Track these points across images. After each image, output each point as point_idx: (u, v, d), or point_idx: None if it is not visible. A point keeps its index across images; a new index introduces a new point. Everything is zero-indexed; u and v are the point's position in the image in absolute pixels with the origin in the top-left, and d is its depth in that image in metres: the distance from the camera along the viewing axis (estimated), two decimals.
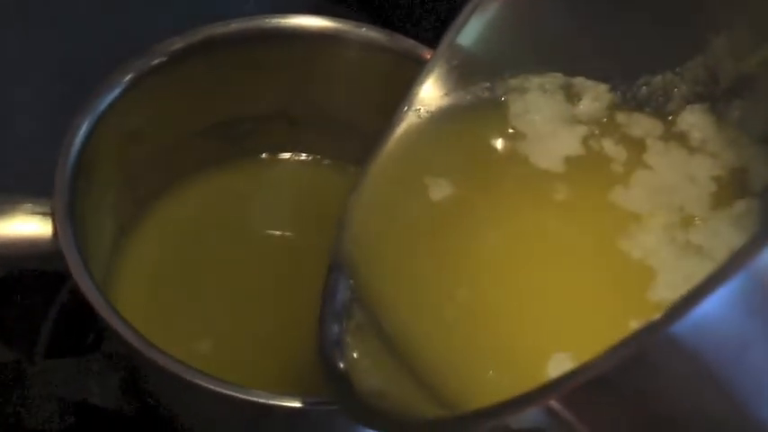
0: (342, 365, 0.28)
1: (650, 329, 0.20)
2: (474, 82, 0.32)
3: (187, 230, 0.40)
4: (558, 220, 0.31)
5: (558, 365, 0.26)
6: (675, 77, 0.32)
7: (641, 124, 0.32)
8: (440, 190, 0.31)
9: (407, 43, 0.38)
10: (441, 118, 0.32)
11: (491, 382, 0.27)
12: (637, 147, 0.32)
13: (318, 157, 0.43)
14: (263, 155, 0.42)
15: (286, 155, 0.42)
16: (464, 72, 0.32)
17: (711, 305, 0.19)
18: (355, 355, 0.28)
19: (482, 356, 0.28)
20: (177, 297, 0.38)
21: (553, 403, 0.21)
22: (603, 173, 0.32)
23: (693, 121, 0.32)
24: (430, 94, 0.32)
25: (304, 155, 0.43)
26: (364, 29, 0.38)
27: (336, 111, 0.41)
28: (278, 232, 0.42)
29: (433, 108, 0.32)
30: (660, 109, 0.32)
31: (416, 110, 0.32)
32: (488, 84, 0.32)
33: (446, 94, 0.32)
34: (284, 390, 0.31)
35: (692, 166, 0.31)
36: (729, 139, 0.32)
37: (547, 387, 0.22)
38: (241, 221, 0.41)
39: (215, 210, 0.41)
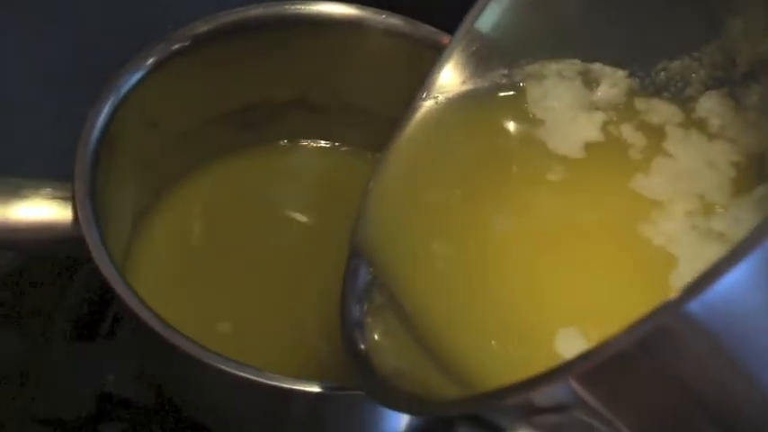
0: (363, 346, 0.28)
1: (669, 306, 0.20)
2: (492, 69, 0.32)
3: (206, 216, 0.40)
4: (579, 207, 0.31)
5: (567, 341, 0.27)
6: (693, 62, 0.32)
7: (660, 111, 0.32)
8: (459, 176, 0.31)
9: (427, 30, 0.38)
10: (459, 105, 0.32)
11: (508, 360, 0.27)
12: (656, 134, 0.32)
13: (337, 144, 0.43)
14: (283, 141, 0.42)
15: (305, 141, 0.43)
16: (482, 59, 0.32)
17: (729, 282, 0.19)
18: (376, 336, 0.28)
19: (501, 334, 0.28)
20: (196, 282, 0.39)
21: (575, 380, 0.22)
22: (623, 160, 0.32)
23: (712, 106, 0.32)
24: (448, 80, 0.32)
25: (323, 141, 0.43)
26: (384, 15, 0.39)
27: (356, 97, 0.41)
28: (297, 218, 0.42)
29: (451, 95, 0.32)
30: (678, 94, 0.32)
31: (435, 97, 0.32)
32: (506, 71, 0.32)
33: (464, 81, 0.32)
34: (304, 374, 0.31)
35: (712, 153, 0.31)
36: (748, 123, 0.31)
37: (568, 364, 0.22)
38: (260, 207, 0.41)
39: (234, 195, 0.41)
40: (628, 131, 0.32)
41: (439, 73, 0.32)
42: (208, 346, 0.31)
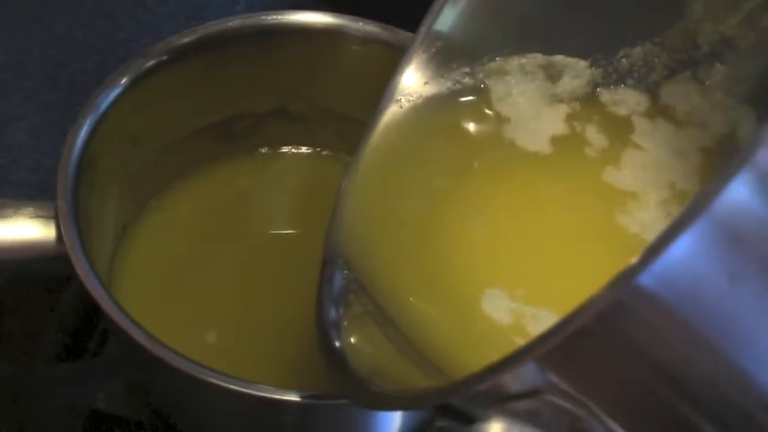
0: (338, 344, 0.28)
1: (620, 280, 0.20)
2: (453, 68, 0.32)
3: (189, 227, 0.41)
4: (553, 203, 0.31)
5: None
6: (655, 47, 0.32)
7: (625, 100, 0.32)
8: (429, 178, 0.31)
9: (404, 36, 0.38)
10: (423, 107, 0.32)
11: (481, 350, 0.27)
12: (624, 126, 0.32)
13: (318, 149, 0.43)
14: (263, 149, 0.43)
15: (286, 148, 0.43)
16: (443, 59, 0.32)
17: (676, 253, 0.19)
18: (352, 334, 0.28)
19: (476, 331, 0.28)
20: (181, 294, 0.39)
21: (537, 361, 0.22)
22: (593, 153, 0.32)
23: (677, 91, 0.32)
24: (410, 83, 0.32)
25: (304, 148, 0.43)
26: (361, 23, 0.39)
27: (336, 104, 0.41)
28: (280, 225, 0.42)
29: (414, 97, 0.32)
30: (642, 81, 0.32)
31: (398, 100, 0.32)
32: (468, 69, 0.32)
33: (426, 83, 0.32)
34: (293, 384, 0.31)
35: (680, 141, 0.31)
36: (715, 104, 0.31)
37: (528, 346, 0.22)
38: (243, 216, 0.41)
39: (217, 206, 0.41)
40: (594, 125, 0.32)
41: (401, 76, 0.32)
42: (195, 358, 0.31)
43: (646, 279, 0.20)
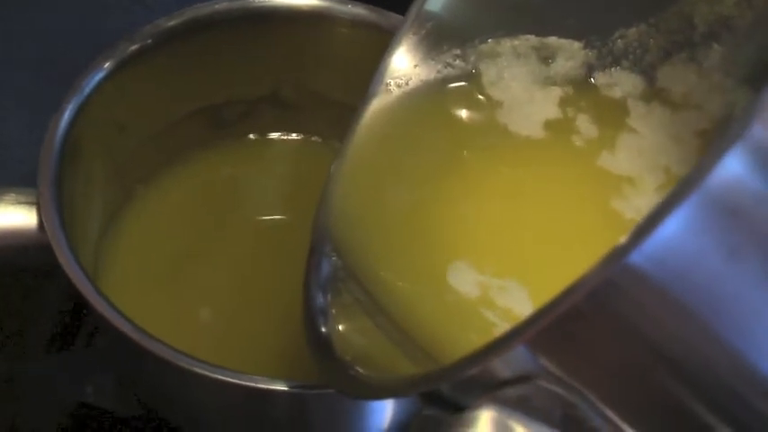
0: (324, 330, 0.27)
1: (611, 258, 0.20)
2: (444, 50, 0.31)
3: (177, 215, 0.40)
4: (547, 188, 0.31)
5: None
6: (651, 28, 0.31)
7: (621, 82, 0.31)
8: (417, 164, 0.30)
9: (395, 18, 0.38)
10: (414, 90, 0.31)
11: (469, 337, 0.26)
12: (619, 109, 0.31)
13: (308, 135, 0.42)
14: (253, 135, 0.42)
15: (276, 134, 0.42)
16: (434, 41, 0.31)
17: (668, 231, 0.19)
18: (339, 320, 0.28)
19: (464, 314, 0.27)
20: (170, 282, 0.38)
21: (527, 344, 0.21)
22: (587, 138, 0.31)
23: (674, 73, 0.31)
24: (400, 66, 0.31)
25: (294, 134, 0.42)
26: (350, 6, 0.39)
27: (326, 89, 0.40)
28: (270, 212, 0.41)
29: (404, 80, 0.31)
30: (638, 63, 0.31)
31: (387, 83, 0.31)
32: (459, 51, 0.31)
33: (417, 65, 0.31)
34: (286, 373, 0.30)
35: (676, 125, 0.30)
36: (712, 85, 0.31)
37: (517, 329, 0.21)
38: (233, 203, 0.41)
39: (205, 193, 0.41)
40: (589, 108, 0.31)
41: (390, 59, 0.31)
42: (185, 347, 0.30)
43: (637, 257, 0.19)
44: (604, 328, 0.21)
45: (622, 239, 0.20)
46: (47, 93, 0.37)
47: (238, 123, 0.41)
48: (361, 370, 0.26)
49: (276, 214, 0.41)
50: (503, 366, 0.22)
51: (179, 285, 0.38)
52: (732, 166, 0.19)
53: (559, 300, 0.20)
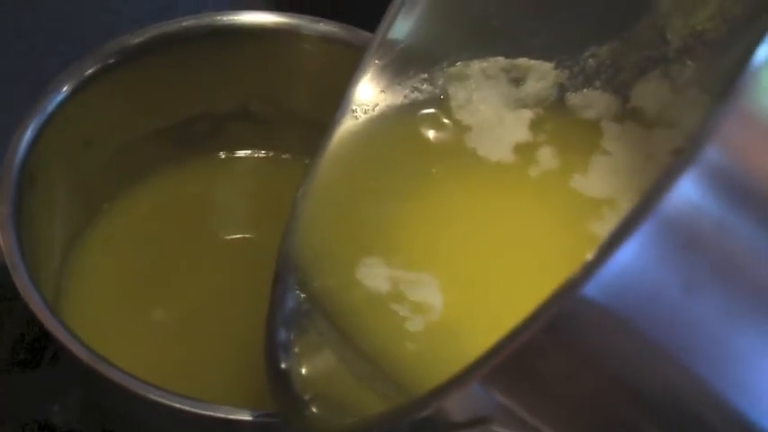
0: (284, 366, 0.27)
1: (567, 289, 0.19)
2: (411, 75, 0.30)
3: (143, 234, 0.39)
4: (521, 213, 0.30)
5: None
6: (623, 45, 0.30)
7: (593, 103, 0.31)
8: (384, 191, 0.29)
9: (365, 36, 0.37)
10: (381, 116, 0.30)
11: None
12: (592, 131, 0.30)
13: (278, 153, 0.42)
14: (222, 153, 0.41)
15: (244, 152, 0.42)
16: (400, 66, 0.30)
17: (621, 261, 0.18)
18: (301, 360, 0.27)
19: (438, 355, 0.26)
20: (133, 303, 0.37)
21: (483, 381, 0.20)
22: (560, 160, 0.30)
23: (648, 90, 0.30)
24: (366, 92, 0.30)
25: (263, 151, 0.42)
26: (321, 23, 0.38)
27: (298, 106, 0.40)
28: (238, 231, 0.41)
29: (371, 106, 0.30)
30: (611, 81, 0.30)
31: (353, 110, 0.30)
32: (426, 75, 0.30)
33: (383, 91, 0.30)
34: (253, 400, 0.30)
35: (651, 144, 0.29)
36: (688, 102, 0.30)
37: (473, 366, 0.20)
38: (199, 222, 0.40)
39: (172, 211, 0.40)
40: (560, 130, 0.30)
41: (356, 86, 0.30)
42: (149, 371, 0.30)
43: (591, 290, 0.18)
44: (563, 362, 0.20)
45: (576, 271, 0.19)
46: (21, 96, 0.36)
47: (207, 140, 0.41)
48: (316, 410, 0.26)
49: (244, 233, 0.40)
50: (458, 407, 0.21)
51: (143, 306, 0.37)
52: (686, 192, 0.18)
53: (513, 335, 0.19)
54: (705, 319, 0.19)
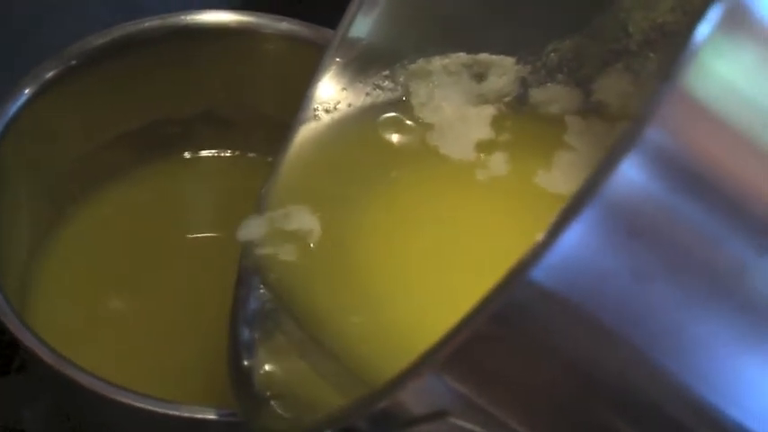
0: (247, 364, 0.27)
1: (513, 275, 0.18)
2: (372, 72, 0.30)
3: (109, 234, 0.39)
4: (483, 212, 0.29)
5: None
6: (585, 39, 0.30)
7: (557, 98, 0.30)
8: (346, 189, 0.29)
9: (329, 34, 0.35)
10: (342, 114, 0.30)
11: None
12: (555, 126, 0.30)
13: (244, 152, 0.41)
14: (187, 153, 0.41)
15: (211, 152, 0.41)
16: (361, 64, 0.30)
17: (567, 245, 0.17)
18: (264, 359, 0.27)
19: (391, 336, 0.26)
20: (100, 303, 0.37)
21: (438, 371, 0.20)
22: (523, 156, 0.30)
23: (610, 84, 0.30)
24: (327, 90, 0.30)
25: (229, 151, 0.41)
26: (284, 22, 0.38)
27: (263, 106, 0.39)
28: (205, 230, 0.40)
29: (332, 105, 0.30)
30: (574, 75, 0.30)
31: (314, 109, 0.30)
32: (388, 72, 0.30)
33: (344, 89, 0.30)
34: (217, 398, 0.29)
35: (614, 138, 0.30)
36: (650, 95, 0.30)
37: (427, 355, 0.20)
38: (166, 222, 0.40)
39: (138, 212, 0.39)
40: (523, 126, 0.30)
41: (317, 85, 0.30)
42: (116, 372, 0.30)
43: (539, 274, 0.18)
44: (516, 350, 0.19)
45: (523, 256, 0.19)
46: None
47: (173, 142, 0.40)
48: (278, 408, 0.25)
49: (212, 232, 0.40)
50: (415, 399, 0.21)
51: (111, 306, 0.37)
52: (629, 176, 0.18)
53: (463, 323, 0.19)
54: (657, 307, 0.19)
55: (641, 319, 0.19)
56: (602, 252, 0.18)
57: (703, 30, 0.18)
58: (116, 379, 0.30)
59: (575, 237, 0.18)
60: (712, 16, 0.18)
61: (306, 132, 0.30)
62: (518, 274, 0.18)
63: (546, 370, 0.20)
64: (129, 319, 0.37)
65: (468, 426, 0.21)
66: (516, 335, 0.19)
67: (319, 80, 0.30)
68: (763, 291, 0.19)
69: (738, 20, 0.18)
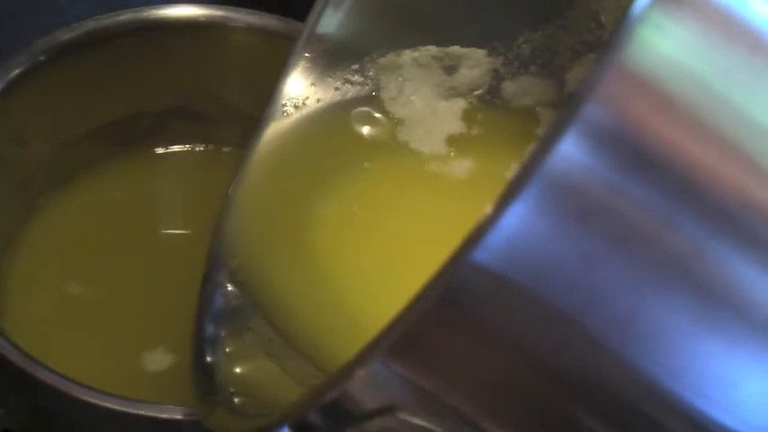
0: (210, 360, 0.26)
1: (456, 257, 0.18)
2: (342, 67, 0.30)
3: (81, 230, 0.38)
4: (458, 209, 0.29)
5: None
6: (558, 30, 0.30)
7: (530, 90, 0.30)
8: (316, 185, 0.29)
9: (301, 28, 0.34)
10: (312, 110, 0.29)
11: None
12: (528, 118, 0.29)
13: (219, 146, 0.41)
14: (160, 148, 0.40)
15: (184, 146, 0.40)
16: (331, 58, 0.30)
17: (509, 224, 0.17)
18: (229, 353, 0.26)
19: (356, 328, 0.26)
20: (73, 298, 0.36)
21: (386, 358, 0.19)
22: (495, 149, 0.29)
23: (584, 74, 0.30)
24: (296, 86, 0.29)
25: (203, 146, 0.41)
26: (254, 15, 0.37)
27: (237, 100, 0.39)
28: (177, 226, 0.40)
29: (300, 100, 0.29)
30: (547, 66, 0.30)
31: (283, 104, 0.29)
32: (357, 65, 0.30)
33: (313, 84, 0.30)
34: (182, 397, 0.28)
35: None
36: None
37: (374, 342, 0.19)
38: (139, 217, 0.39)
39: (111, 207, 0.39)
40: (495, 119, 0.29)
41: (285, 81, 0.29)
42: (86, 371, 0.29)
43: (483, 256, 0.18)
44: (465, 334, 0.19)
45: (467, 237, 0.18)
46: None
47: (145, 136, 0.40)
48: (239, 405, 0.25)
49: (185, 227, 0.39)
50: (364, 390, 0.20)
51: (82, 302, 0.36)
52: (571, 154, 0.17)
53: (408, 309, 0.19)
54: (610, 291, 0.18)
55: (594, 305, 0.18)
56: (548, 234, 0.17)
57: (640, 4, 0.17)
58: (86, 375, 0.29)
59: (517, 217, 0.17)
60: None
61: (274, 129, 0.30)
62: (461, 255, 0.18)
63: (497, 355, 0.19)
64: (101, 314, 0.36)
65: (422, 423, 0.21)
66: (465, 318, 0.18)
67: (288, 76, 0.30)
68: (717, 274, 0.19)
69: None
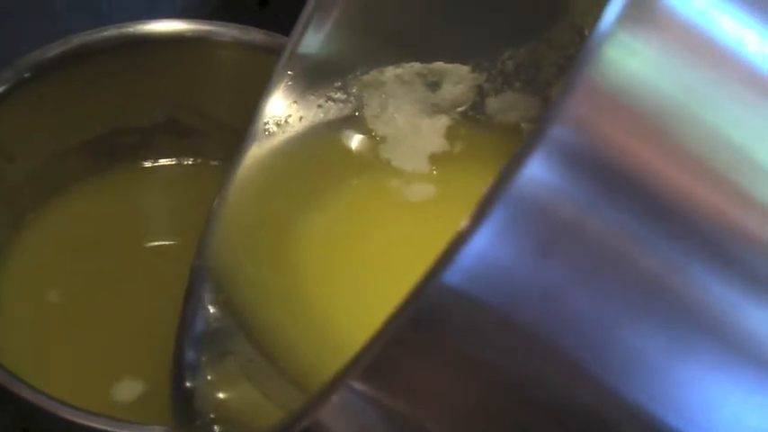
0: (189, 385, 0.26)
1: (428, 277, 0.18)
2: (324, 84, 0.29)
3: (68, 244, 0.38)
4: (434, 226, 0.29)
5: None
6: (542, 45, 0.29)
7: (514, 106, 0.30)
8: (297, 207, 0.28)
9: (286, 42, 0.35)
10: (294, 128, 0.29)
11: None
12: (512, 135, 0.29)
13: (206, 160, 0.41)
14: (148, 162, 0.40)
15: (171, 160, 0.40)
16: (313, 76, 0.29)
17: (478, 246, 0.17)
18: (209, 378, 0.26)
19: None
20: (59, 311, 0.36)
21: (358, 382, 0.18)
22: (481, 166, 0.29)
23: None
24: (278, 104, 0.29)
25: (191, 159, 0.41)
26: (242, 30, 0.37)
27: (224, 114, 0.39)
28: (164, 239, 0.39)
29: (283, 118, 0.29)
30: (531, 82, 0.30)
31: (265, 123, 0.29)
32: (339, 83, 0.29)
33: (295, 101, 0.29)
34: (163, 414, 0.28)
35: None
36: None
37: (347, 367, 0.19)
38: (127, 231, 0.39)
39: (98, 220, 0.39)
40: (479, 136, 0.29)
41: (267, 99, 0.29)
42: (71, 386, 0.30)
43: (454, 277, 0.17)
44: (438, 357, 0.18)
45: (438, 258, 0.18)
46: None
47: (132, 150, 0.40)
48: (219, 430, 0.25)
49: (170, 240, 0.39)
50: (337, 418, 0.20)
51: (68, 315, 0.36)
52: (539, 175, 0.17)
53: (380, 333, 0.18)
54: (583, 313, 0.18)
55: (565, 333, 0.18)
56: (512, 264, 0.17)
57: (605, 22, 0.17)
58: (72, 391, 0.29)
59: (486, 239, 0.17)
60: (614, 8, 0.18)
61: (257, 146, 0.29)
62: (431, 277, 0.17)
63: (470, 379, 0.19)
64: (88, 327, 0.36)
65: None
66: (436, 340, 0.18)
67: (270, 94, 0.29)
68: (689, 296, 0.18)
69: (643, 10, 0.18)
